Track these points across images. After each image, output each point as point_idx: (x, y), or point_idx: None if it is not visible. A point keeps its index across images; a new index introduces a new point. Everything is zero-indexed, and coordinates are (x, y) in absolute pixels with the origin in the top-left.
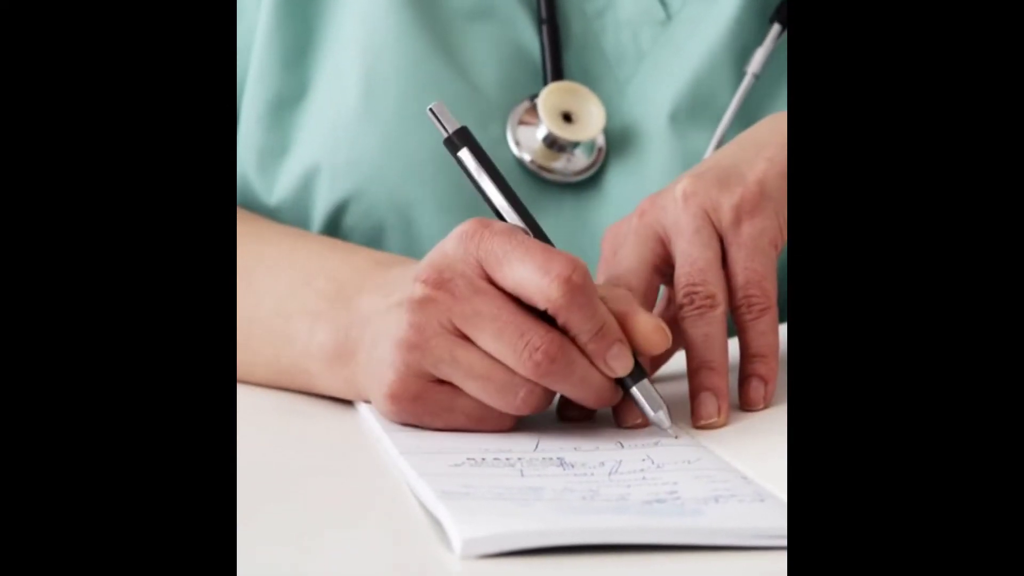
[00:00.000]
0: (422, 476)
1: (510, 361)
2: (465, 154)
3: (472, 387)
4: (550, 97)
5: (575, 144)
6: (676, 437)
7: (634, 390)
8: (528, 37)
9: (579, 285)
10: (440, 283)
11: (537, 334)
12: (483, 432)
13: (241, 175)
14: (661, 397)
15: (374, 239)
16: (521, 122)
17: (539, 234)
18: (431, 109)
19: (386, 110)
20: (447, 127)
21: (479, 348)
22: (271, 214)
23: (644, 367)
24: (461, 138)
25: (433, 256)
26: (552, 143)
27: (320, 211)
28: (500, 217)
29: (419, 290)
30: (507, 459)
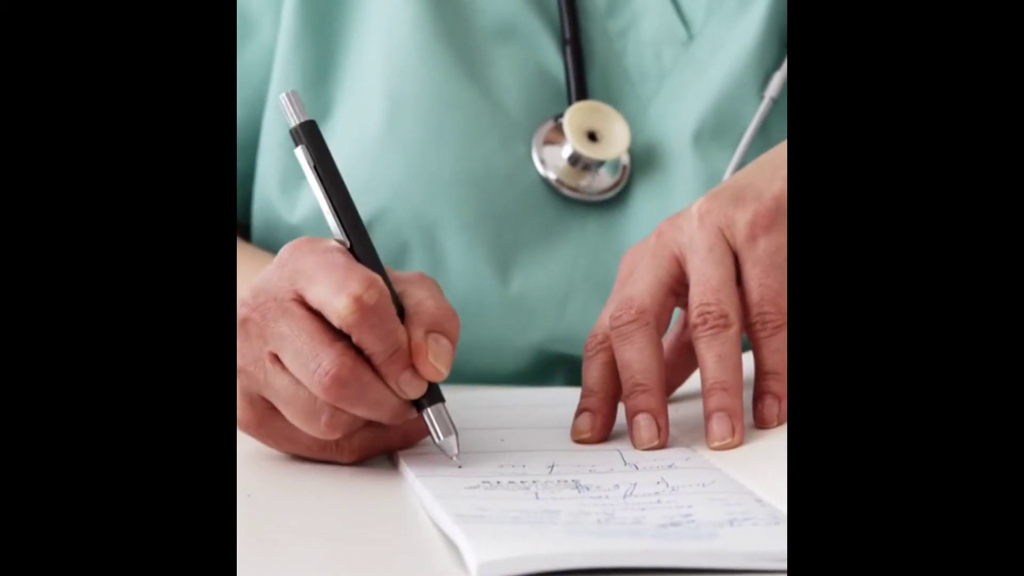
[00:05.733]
0: (437, 499)
1: (306, 383)
2: (301, 152)
3: (285, 412)
4: (575, 116)
5: (600, 163)
6: (460, 467)
7: (426, 413)
8: (551, 57)
9: (370, 305)
10: (255, 305)
11: (329, 356)
12: (334, 462)
13: (263, 196)
14: (453, 423)
15: (398, 259)
16: (546, 141)
17: (364, 247)
18: (285, 95)
19: (410, 130)
20: (296, 117)
21: (289, 371)
22: (294, 232)
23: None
24: (306, 133)
25: (258, 277)
26: (577, 162)
27: None
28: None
29: (240, 311)
30: (522, 482)
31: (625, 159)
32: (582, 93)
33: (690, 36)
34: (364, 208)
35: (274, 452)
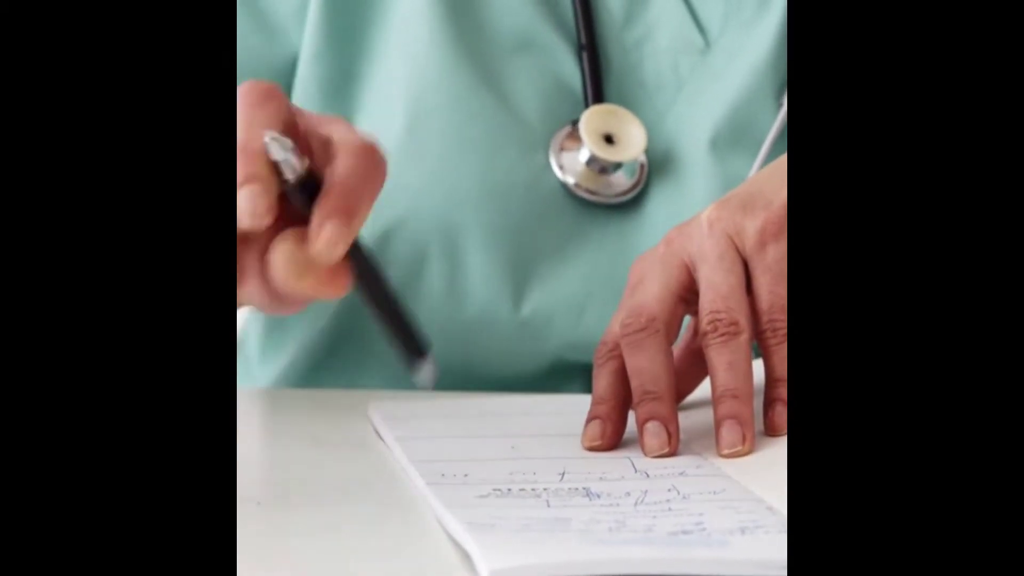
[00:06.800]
0: (449, 508)
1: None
2: None
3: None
4: (591, 119)
5: (617, 165)
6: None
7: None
8: (568, 68)
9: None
10: None
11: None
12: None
13: None
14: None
15: (417, 268)
16: (563, 147)
17: None
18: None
19: (431, 141)
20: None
21: None
22: None
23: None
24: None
25: None
26: (594, 164)
27: (363, 239)
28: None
29: None
30: (533, 490)
31: (643, 159)
32: (598, 97)
33: (707, 44)
34: (384, 216)
35: (278, 457)
